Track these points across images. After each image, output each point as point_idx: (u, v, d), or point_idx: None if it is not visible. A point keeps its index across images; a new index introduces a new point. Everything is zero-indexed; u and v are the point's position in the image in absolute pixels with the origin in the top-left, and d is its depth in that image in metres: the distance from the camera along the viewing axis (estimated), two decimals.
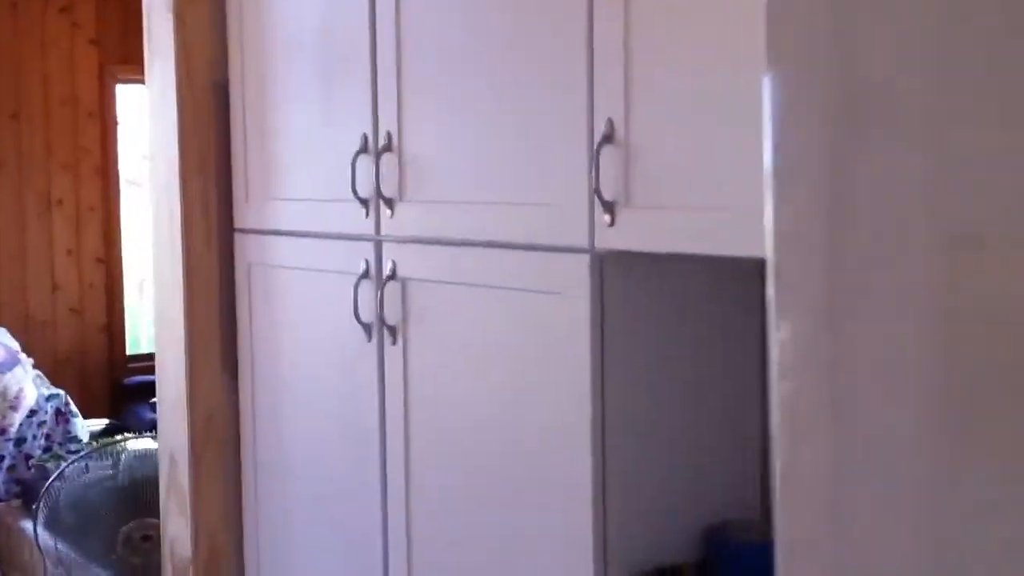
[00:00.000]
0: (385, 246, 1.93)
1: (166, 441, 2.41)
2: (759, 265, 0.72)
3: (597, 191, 1.51)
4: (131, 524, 2.82)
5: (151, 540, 2.78)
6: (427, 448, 1.88)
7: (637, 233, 1.50)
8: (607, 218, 1.51)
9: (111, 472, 2.94)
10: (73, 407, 4.34)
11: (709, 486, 1.75)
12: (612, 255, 1.55)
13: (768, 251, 0.69)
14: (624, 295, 1.59)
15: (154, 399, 2.53)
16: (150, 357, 2.64)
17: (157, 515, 2.52)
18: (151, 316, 2.61)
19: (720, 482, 1.77)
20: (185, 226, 2.25)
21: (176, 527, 2.39)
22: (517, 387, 1.68)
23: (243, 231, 2.28)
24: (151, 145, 2.40)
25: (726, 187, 1.39)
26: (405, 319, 1.90)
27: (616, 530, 1.60)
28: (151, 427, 2.92)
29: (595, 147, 1.51)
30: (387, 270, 1.92)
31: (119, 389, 5.32)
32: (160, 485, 2.46)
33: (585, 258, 1.56)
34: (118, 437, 3.24)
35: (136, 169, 5.48)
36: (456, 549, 1.84)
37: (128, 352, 5.54)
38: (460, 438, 1.81)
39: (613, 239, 1.52)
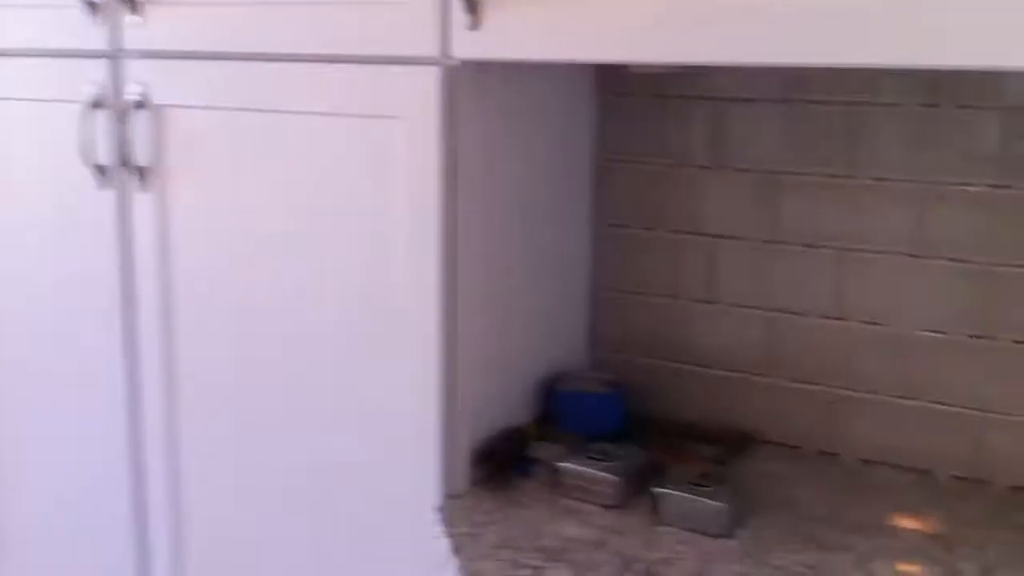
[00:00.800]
0: (128, 64, 1.53)
1: None
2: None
3: None
4: None
5: None
6: (202, 328, 1.54)
7: (507, 37, 1.24)
8: (468, 19, 1.25)
9: None
10: None
11: (546, 337, 1.57)
12: (469, 68, 1.29)
13: None
14: (478, 118, 1.34)
15: None
16: None
17: None
18: None
19: (554, 331, 1.60)
20: None
21: None
22: (340, 242, 1.39)
23: None
24: None
25: None
26: (161, 160, 1.52)
27: (465, 389, 1.38)
28: None
29: None
30: (131, 95, 1.52)
31: None
32: None
33: (434, 72, 1.29)
34: None
35: None
36: (270, 431, 1.53)
37: None
38: (256, 313, 1.49)
39: (473, 46, 1.26)
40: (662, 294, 1.58)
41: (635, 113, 1.56)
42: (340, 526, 1.47)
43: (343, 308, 1.40)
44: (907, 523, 1.27)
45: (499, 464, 1.41)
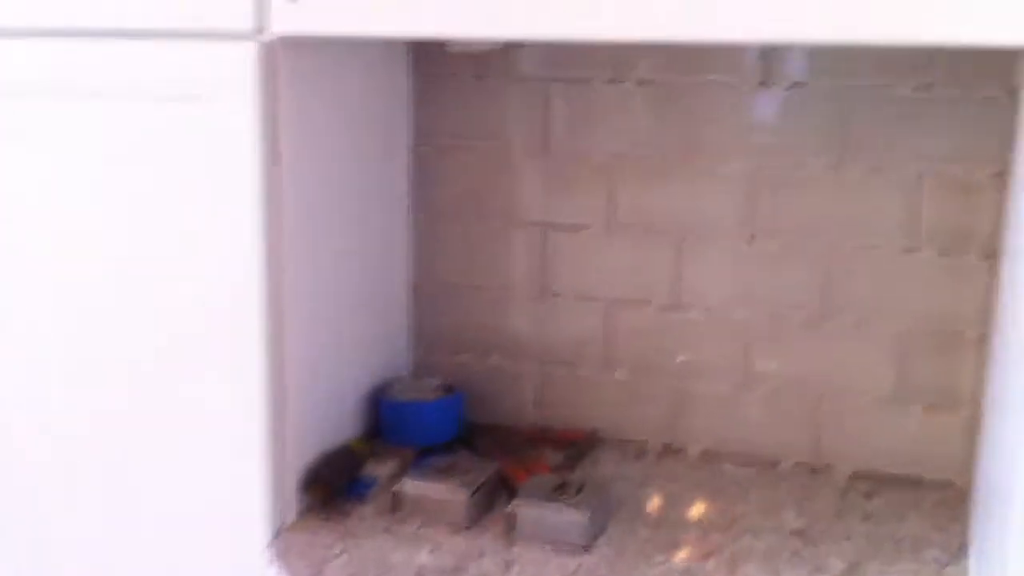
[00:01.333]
0: None
1: None
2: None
3: None
4: None
5: None
6: None
7: (326, 10, 1.10)
8: None
9: None
10: None
11: (371, 341, 1.45)
12: (287, 44, 1.15)
13: None
14: (299, 100, 1.20)
15: None
16: None
17: None
18: None
19: (380, 334, 1.47)
20: None
21: None
22: (150, 240, 1.21)
23: None
24: None
25: None
26: None
27: (295, 403, 1.24)
28: None
29: None
30: None
31: None
32: None
33: (251, 48, 1.13)
34: None
35: None
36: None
37: None
38: (47, 329, 1.28)
39: (292, 20, 1.12)
40: (492, 288, 1.49)
41: (455, 95, 1.46)
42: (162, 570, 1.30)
43: (151, 313, 1.23)
44: (765, 519, 1.24)
45: (331, 489, 1.28)
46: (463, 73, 1.45)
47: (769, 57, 1.31)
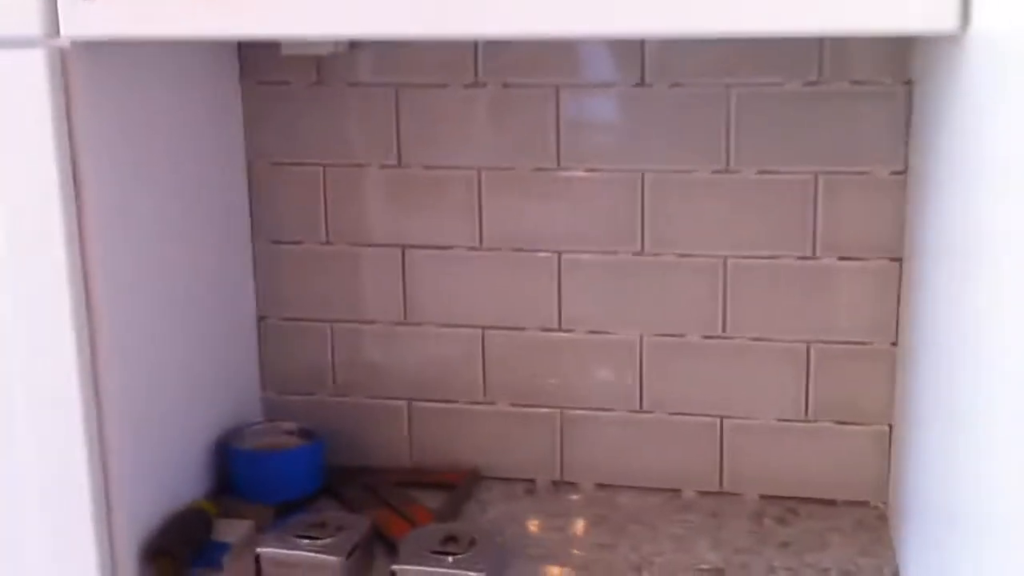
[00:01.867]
0: None
1: None
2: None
3: None
4: None
5: None
6: None
7: (123, 10, 0.92)
8: None
9: None
10: None
11: (214, 385, 1.26)
12: (84, 50, 0.96)
13: None
14: (102, 116, 1.01)
15: None
16: None
17: None
18: None
19: (223, 376, 1.28)
20: None
21: None
22: None
23: None
24: None
25: None
26: None
27: (122, 466, 1.05)
28: None
29: None
30: None
31: None
32: None
33: (40, 55, 0.94)
34: None
35: None
36: None
37: None
38: None
39: (86, 23, 0.93)
40: (347, 319, 1.33)
41: (293, 106, 1.29)
42: None
43: None
44: (679, 556, 1.11)
45: (178, 560, 1.09)
46: (300, 80, 1.28)
47: (647, 55, 1.20)
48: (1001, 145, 0.69)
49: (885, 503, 1.22)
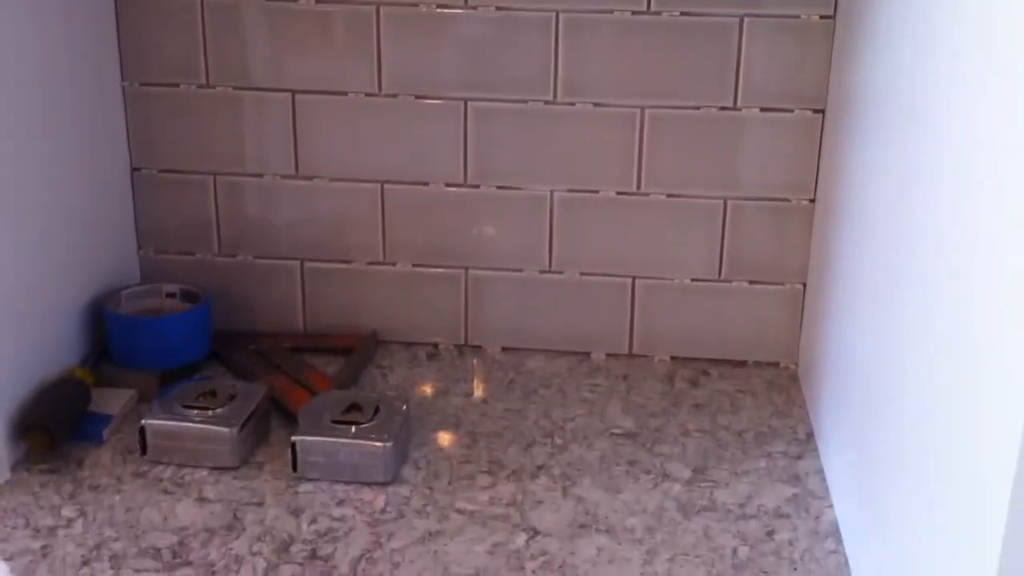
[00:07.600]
0: None
1: None
2: None
3: None
4: None
5: None
6: None
7: None
8: None
9: None
10: None
11: (86, 247, 1.15)
12: None
13: None
14: None
15: None
16: None
17: None
18: None
19: (96, 234, 1.17)
20: None
21: None
22: None
23: None
24: None
25: None
26: None
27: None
28: None
29: None
30: None
31: None
32: None
33: None
34: None
35: None
36: None
37: None
38: None
39: None
40: (232, 172, 1.22)
41: None
42: None
43: None
44: (590, 422, 1.07)
45: (53, 432, 1.00)
46: None
47: None
48: None
49: (796, 364, 1.20)
